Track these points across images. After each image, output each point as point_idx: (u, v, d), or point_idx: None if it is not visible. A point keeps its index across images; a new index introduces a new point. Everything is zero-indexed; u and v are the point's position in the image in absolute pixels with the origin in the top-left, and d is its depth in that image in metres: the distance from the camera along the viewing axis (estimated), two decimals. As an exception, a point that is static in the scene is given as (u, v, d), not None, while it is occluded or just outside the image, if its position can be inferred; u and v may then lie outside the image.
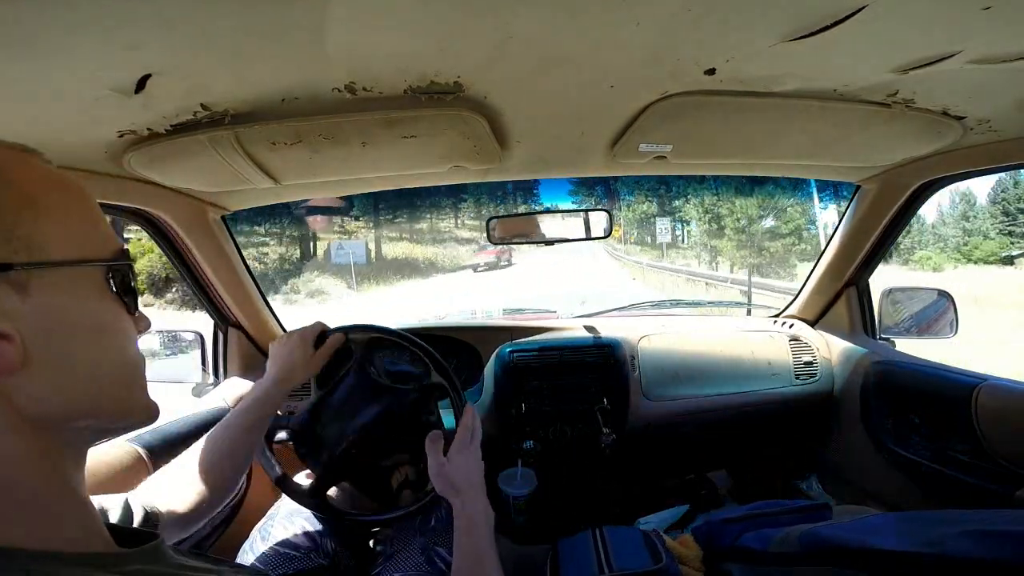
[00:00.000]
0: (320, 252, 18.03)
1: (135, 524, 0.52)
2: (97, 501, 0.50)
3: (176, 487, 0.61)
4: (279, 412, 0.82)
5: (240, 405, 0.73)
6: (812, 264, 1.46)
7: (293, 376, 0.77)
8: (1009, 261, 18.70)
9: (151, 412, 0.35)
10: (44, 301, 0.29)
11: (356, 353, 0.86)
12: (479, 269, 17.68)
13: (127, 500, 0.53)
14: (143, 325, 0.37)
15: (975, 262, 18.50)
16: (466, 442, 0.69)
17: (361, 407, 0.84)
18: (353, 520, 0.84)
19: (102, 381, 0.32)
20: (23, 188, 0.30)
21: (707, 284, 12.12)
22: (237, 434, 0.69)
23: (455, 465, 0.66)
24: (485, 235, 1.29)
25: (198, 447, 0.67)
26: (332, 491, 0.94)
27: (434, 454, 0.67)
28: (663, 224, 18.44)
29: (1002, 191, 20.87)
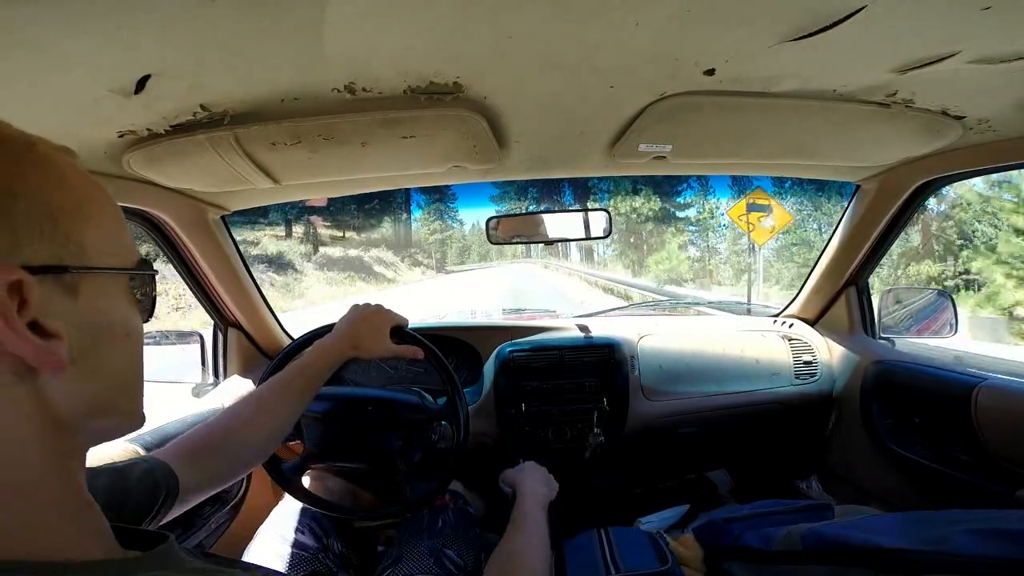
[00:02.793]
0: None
1: (153, 488, 0.52)
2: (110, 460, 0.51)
3: (207, 446, 0.61)
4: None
5: (299, 362, 0.72)
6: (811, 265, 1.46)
7: (361, 348, 0.77)
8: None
9: (143, 419, 0.37)
10: (88, 304, 0.30)
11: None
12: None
13: (146, 465, 0.53)
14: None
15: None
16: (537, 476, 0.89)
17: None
18: (351, 516, 0.84)
19: (123, 384, 0.34)
20: (77, 192, 0.31)
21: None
22: (291, 387, 0.69)
23: (521, 475, 0.87)
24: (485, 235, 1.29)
25: (238, 406, 0.66)
26: (328, 489, 0.94)
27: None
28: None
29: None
